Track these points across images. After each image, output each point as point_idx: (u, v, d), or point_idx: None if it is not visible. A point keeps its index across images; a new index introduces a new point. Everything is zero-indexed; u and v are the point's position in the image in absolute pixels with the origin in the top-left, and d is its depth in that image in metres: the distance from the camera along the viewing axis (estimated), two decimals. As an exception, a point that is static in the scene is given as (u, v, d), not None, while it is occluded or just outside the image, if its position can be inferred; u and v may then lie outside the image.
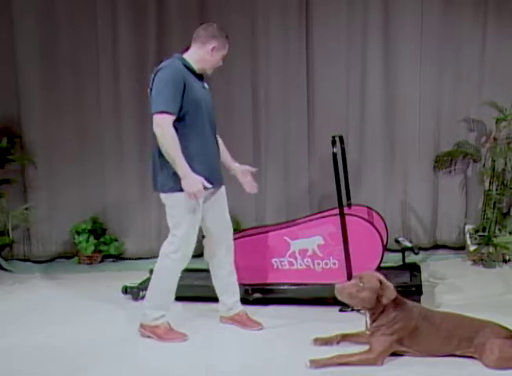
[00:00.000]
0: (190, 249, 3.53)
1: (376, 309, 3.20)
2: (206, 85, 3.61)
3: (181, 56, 3.49)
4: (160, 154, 3.37)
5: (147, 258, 5.44)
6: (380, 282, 3.18)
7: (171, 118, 3.28)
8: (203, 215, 3.55)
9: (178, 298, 4.05)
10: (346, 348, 3.26)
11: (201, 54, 3.47)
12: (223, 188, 3.67)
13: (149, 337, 3.56)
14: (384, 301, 3.16)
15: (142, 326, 3.62)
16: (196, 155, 3.39)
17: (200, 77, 3.52)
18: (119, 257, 5.53)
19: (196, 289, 4.20)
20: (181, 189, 3.35)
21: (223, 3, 5.34)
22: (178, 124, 3.34)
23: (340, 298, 3.22)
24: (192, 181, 3.31)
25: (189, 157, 3.34)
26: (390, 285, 3.19)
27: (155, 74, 3.38)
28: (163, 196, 3.49)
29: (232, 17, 5.33)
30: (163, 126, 3.26)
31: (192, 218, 3.46)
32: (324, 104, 5.45)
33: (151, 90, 3.39)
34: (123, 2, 5.30)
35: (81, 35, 5.33)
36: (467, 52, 5.31)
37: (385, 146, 5.46)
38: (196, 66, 3.47)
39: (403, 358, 3.17)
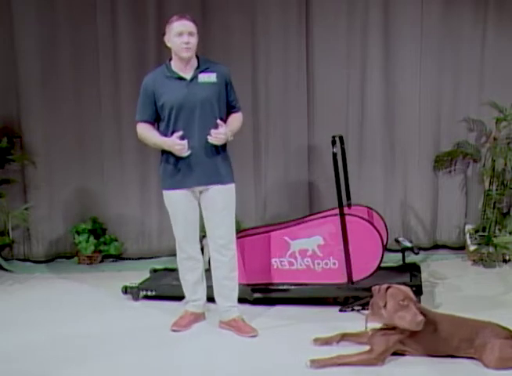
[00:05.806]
0: (188, 246, 3.66)
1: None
2: (202, 79, 3.54)
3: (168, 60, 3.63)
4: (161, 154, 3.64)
5: (147, 258, 5.45)
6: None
7: (141, 124, 3.67)
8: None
9: (179, 298, 4.05)
10: (346, 348, 3.25)
11: (171, 47, 3.54)
12: (219, 186, 3.57)
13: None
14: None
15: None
16: (173, 155, 3.54)
17: (183, 76, 3.52)
18: (119, 257, 5.53)
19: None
20: (167, 188, 3.60)
21: (223, 3, 5.34)
22: (158, 127, 3.64)
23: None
24: (170, 143, 3.50)
25: (167, 156, 3.58)
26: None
27: None
28: None
29: (232, 17, 5.33)
30: (137, 131, 3.70)
31: (183, 215, 3.59)
32: (324, 104, 5.44)
33: None
34: (123, 3, 5.30)
35: (81, 35, 5.32)
36: (467, 52, 5.30)
37: (385, 146, 5.45)
38: (176, 63, 3.54)
39: (403, 358, 3.17)
